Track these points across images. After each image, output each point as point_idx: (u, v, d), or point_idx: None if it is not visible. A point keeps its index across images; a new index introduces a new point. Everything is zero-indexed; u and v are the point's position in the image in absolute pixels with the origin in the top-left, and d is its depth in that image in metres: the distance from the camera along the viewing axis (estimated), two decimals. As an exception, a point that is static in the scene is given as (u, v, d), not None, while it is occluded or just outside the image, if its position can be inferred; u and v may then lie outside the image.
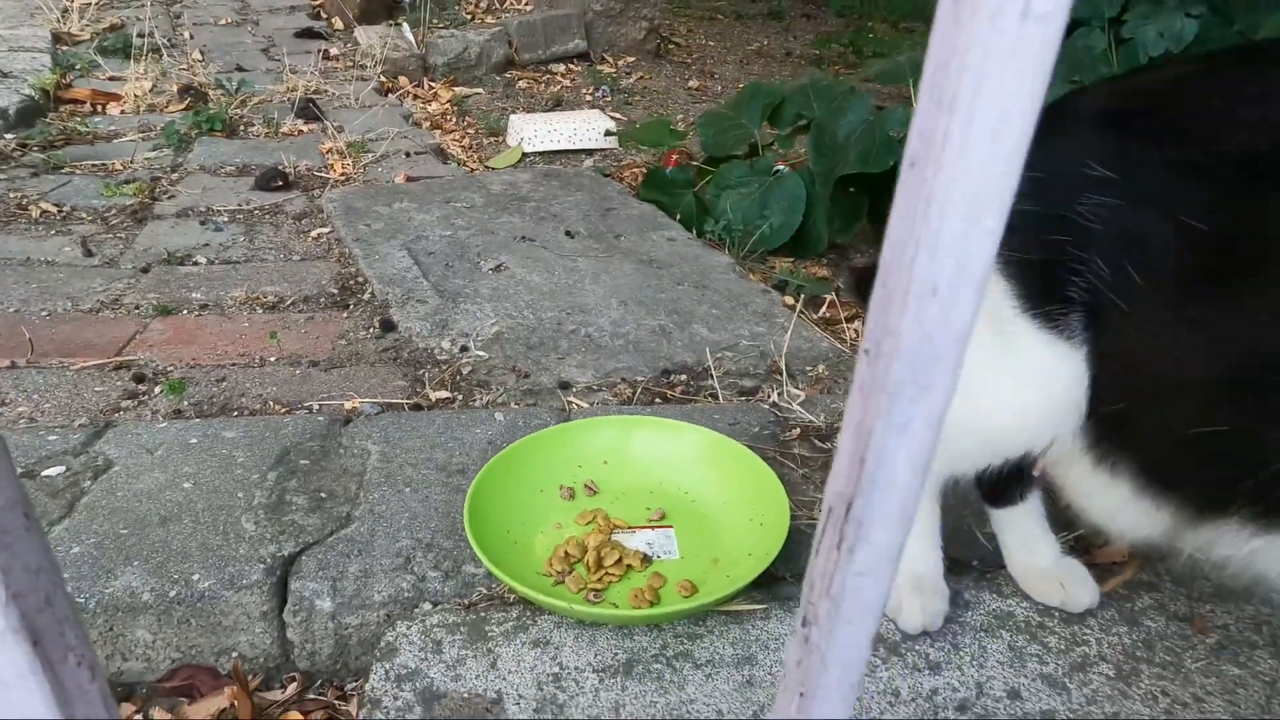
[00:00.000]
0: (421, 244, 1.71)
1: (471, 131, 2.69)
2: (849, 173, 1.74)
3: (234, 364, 1.28)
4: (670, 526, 0.90)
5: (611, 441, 0.98)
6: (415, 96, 2.91)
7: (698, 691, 0.72)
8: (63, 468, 0.96)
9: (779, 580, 0.84)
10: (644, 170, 2.25)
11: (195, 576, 0.82)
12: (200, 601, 0.80)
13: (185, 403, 1.17)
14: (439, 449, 1.02)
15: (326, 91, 2.68)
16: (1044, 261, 0.61)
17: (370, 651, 0.79)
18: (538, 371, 1.30)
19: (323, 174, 2.09)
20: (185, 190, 1.94)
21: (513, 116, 2.61)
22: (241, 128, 2.36)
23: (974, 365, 0.34)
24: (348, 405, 1.17)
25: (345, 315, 1.45)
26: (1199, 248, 0.54)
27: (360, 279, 1.58)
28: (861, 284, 0.95)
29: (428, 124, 2.64)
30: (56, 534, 0.85)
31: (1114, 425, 0.62)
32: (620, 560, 0.83)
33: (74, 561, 0.82)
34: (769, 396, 1.21)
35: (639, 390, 1.26)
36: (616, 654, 0.75)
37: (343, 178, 2.07)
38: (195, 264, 1.61)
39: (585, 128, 2.60)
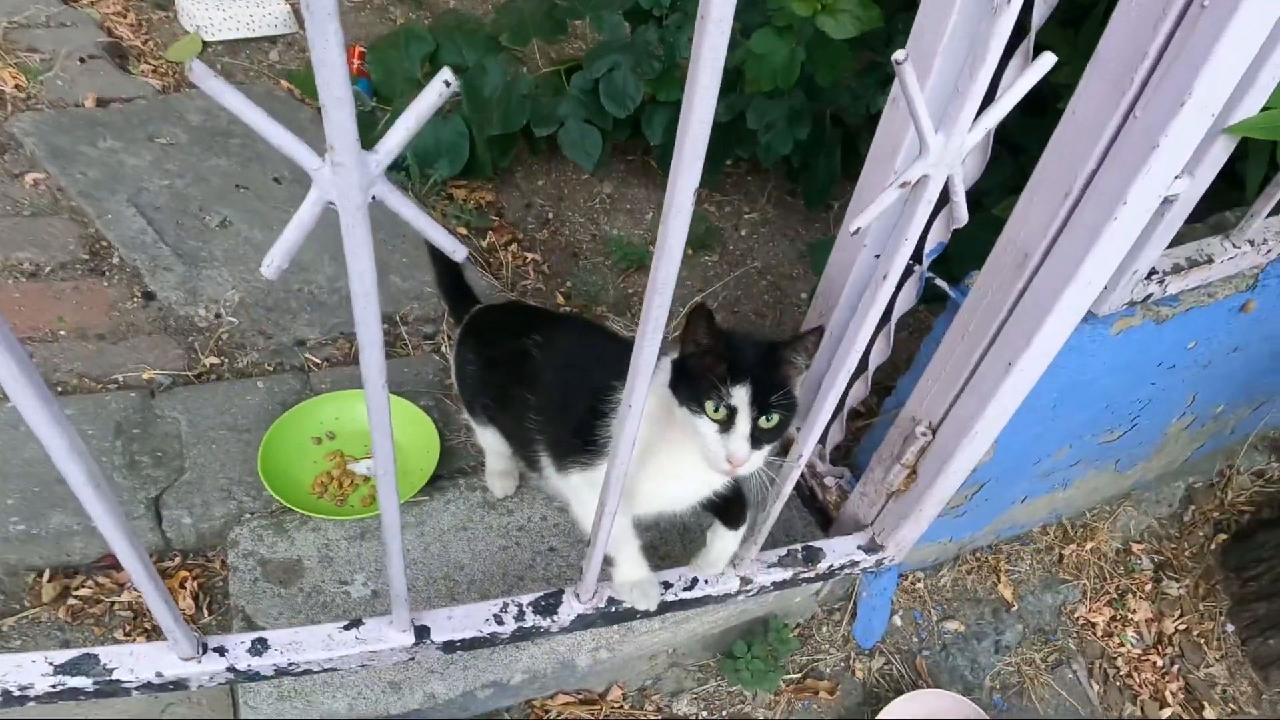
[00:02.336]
0: (145, 197, 1.98)
1: (134, 2, 2.59)
2: (493, 133, 2.27)
3: (31, 339, 1.63)
4: (377, 454, 1.62)
5: (338, 408, 1.64)
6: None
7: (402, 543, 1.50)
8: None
9: (439, 478, 1.61)
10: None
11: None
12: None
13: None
14: (227, 414, 1.62)
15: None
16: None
17: (220, 541, 1.46)
18: (279, 332, 1.84)
19: (-7, 83, 2.07)
20: None
21: (178, -11, 2.52)
22: None
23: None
24: (144, 377, 1.65)
25: (106, 284, 1.79)
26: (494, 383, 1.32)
27: (103, 241, 1.85)
28: (473, 325, 1.46)
29: (80, -8, 2.49)
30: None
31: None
32: (351, 480, 1.56)
33: (15, 509, 1.36)
34: (439, 346, 1.89)
35: (352, 342, 1.87)
36: (354, 530, 1.49)
37: (21, 94, 2.11)
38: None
39: (260, 13, 2.59)
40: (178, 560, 1.47)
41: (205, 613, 1.43)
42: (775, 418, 0.95)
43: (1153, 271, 1.23)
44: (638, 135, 2.34)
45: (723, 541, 1.26)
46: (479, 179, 2.45)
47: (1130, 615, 1.88)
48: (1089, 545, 1.97)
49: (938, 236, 1.22)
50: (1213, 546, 2.03)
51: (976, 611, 1.82)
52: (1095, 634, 1.84)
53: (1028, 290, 1.07)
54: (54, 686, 1.07)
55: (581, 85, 2.25)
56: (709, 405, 0.95)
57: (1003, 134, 0.94)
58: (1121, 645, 1.83)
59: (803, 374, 1.00)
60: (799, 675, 1.63)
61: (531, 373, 1.23)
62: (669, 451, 1.06)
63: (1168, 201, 1.07)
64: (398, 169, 2.32)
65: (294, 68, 2.60)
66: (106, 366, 1.66)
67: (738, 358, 0.95)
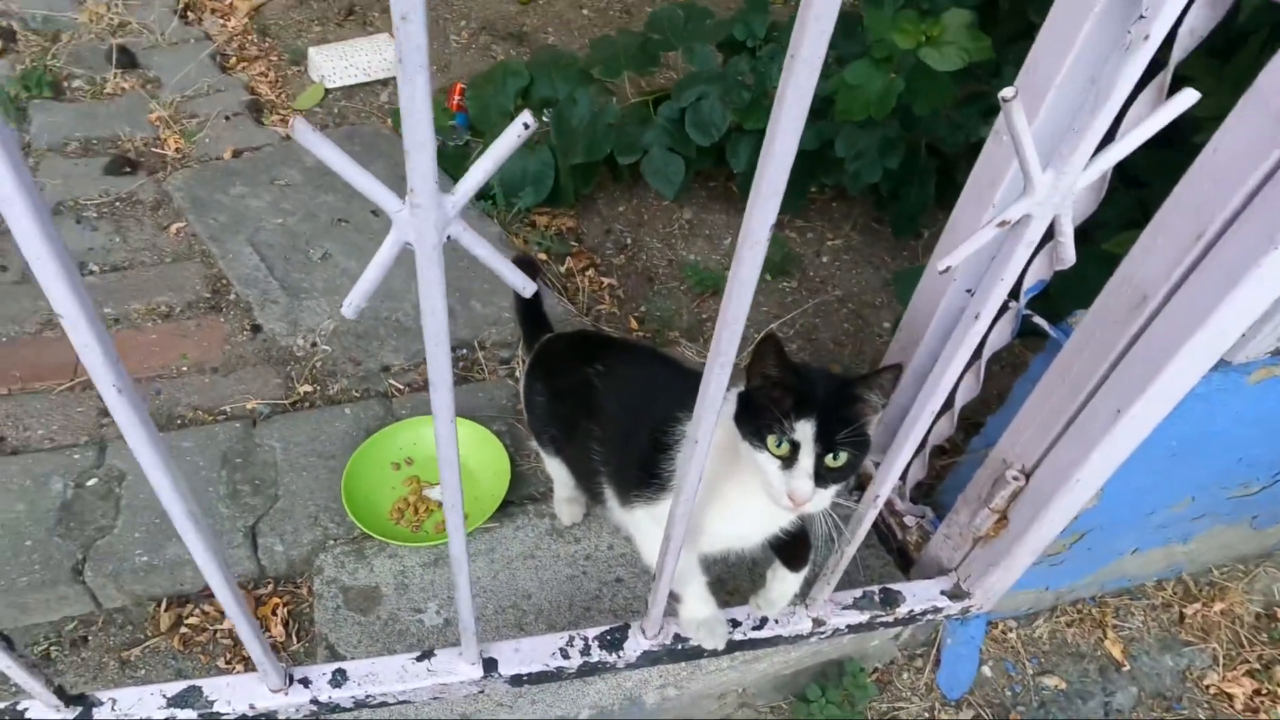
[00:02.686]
0: (262, 235, 2.15)
1: (274, 60, 2.87)
2: (577, 161, 2.29)
3: (160, 376, 1.80)
4: (454, 480, 1.63)
5: (416, 434, 1.66)
6: (213, 10, 2.98)
7: (471, 570, 1.51)
8: (96, 479, 1.54)
9: (509, 504, 1.61)
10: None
11: (202, 547, 1.48)
12: (209, 558, 1.48)
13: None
14: (317, 441, 1.67)
15: (130, 24, 2.74)
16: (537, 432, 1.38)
17: (307, 568, 1.50)
18: (366, 359, 1.91)
19: (159, 150, 2.36)
20: (47, 179, 2.19)
21: (311, 51, 2.81)
22: (65, 84, 2.49)
23: None
24: (248, 406, 1.75)
25: (222, 320, 1.94)
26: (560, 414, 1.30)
27: (224, 280, 2.04)
28: (542, 355, 1.46)
29: (234, 58, 2.80)
30: (120, 527, 1.47)
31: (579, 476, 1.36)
32: (427, 506, 1.57)
33: (140, 542, 1.45)
34: (514, 371, 1.91)
35: (436, 368, 1.91)
36: (429, 556, 1.51)
37: (178, 155, 2.36)
38: (90, 273, 1.99)
39: (377, 58, 2.85)
40: (270, 587, 1.52)
41: (294, 639, 1.47)
42: (843, 456, 0.89)
43: (1298, 316, 1.10)
44: (721, 163, 2.32)
45: (783, 584, 1.20)
46: (562, 206, 2.48)
47: None
48: (1218, 606, 1.77)
49: (1038, 274, 1.13)
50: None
51: (1079, 668, 1.67)
52: (1234, 707, 1.64)
53: (1143, 334, 0.97)
54: (166, 719, 1.11)
55: (668, 114, 2.25)
56: (771, 440, 0.90)
57: (1122, 166, 0.86)
58: None
59: (879, 412, 0.93)
60: (879, 726, 1.53)
61: (595, 403, 1.21)
62: (736, 487, 1.01)
63: None
64: (483, 198, 2.37)
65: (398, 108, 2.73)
66: (218, 398, 1.76)
67: (805, 391, 0.90)
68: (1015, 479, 1.18)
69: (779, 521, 1.08)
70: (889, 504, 1.57)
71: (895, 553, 1.55)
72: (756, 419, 0.91)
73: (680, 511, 0.93)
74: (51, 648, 1.43)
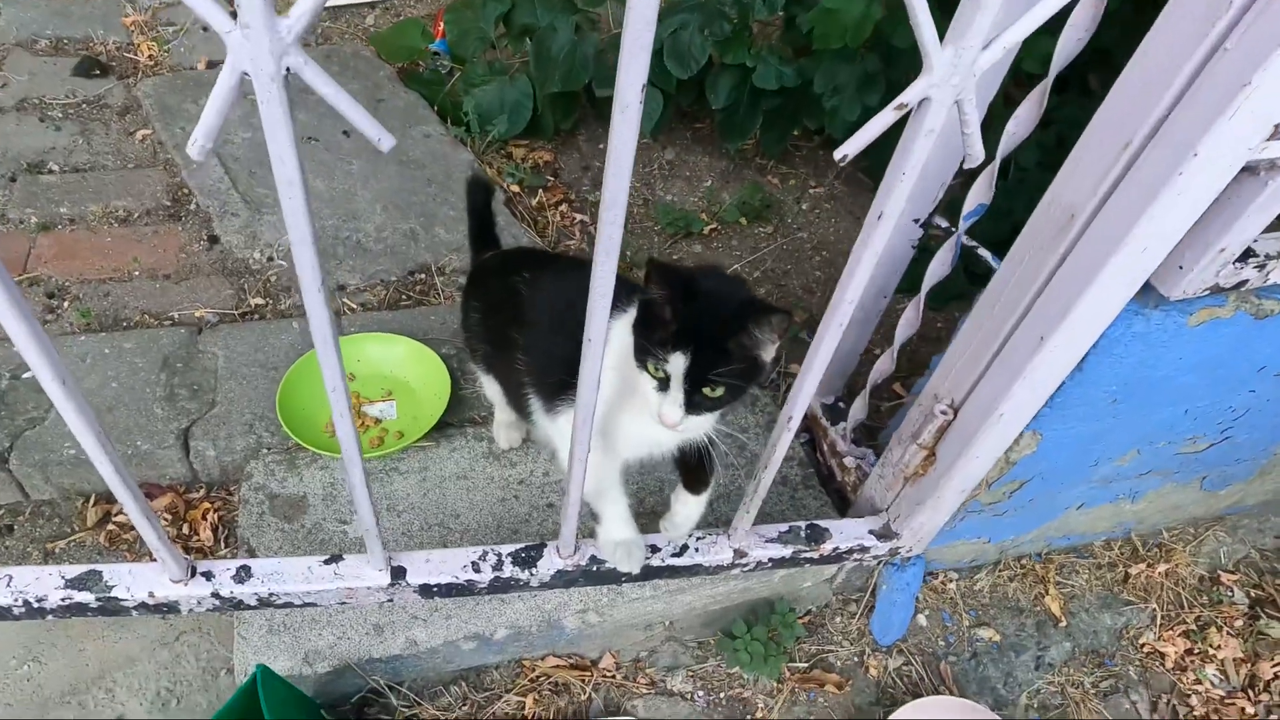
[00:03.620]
0: (228, 149, 2.11)
1: None
2: (554, 90, 2.23)
3: (111, 279, 1.77)
4: (394, 400, 1.61)
5: (359, 350, 1.64)
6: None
7: (399, 486, 1.49)
8: (30, 372, 1.52)
9: (449, 425, 1.59)
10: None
11: (139, 443, 1.47)
12: (145, 456, 1.46)
13: (91, 320, 1.69)
14: (260, 351, 1.65)
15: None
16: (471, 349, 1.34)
17: (239, 473, 1.49)
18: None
19: (132, 55, 2.31)
20: (13, 75, 2.15)
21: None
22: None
23: None
24: (196, 314, 1.73)
25: (180, 228, 1.91)
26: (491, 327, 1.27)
27: (186, 189, 2.00)
28: (478, 271, 1.46)
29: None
30: (52, 419, 1.46)
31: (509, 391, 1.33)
32: (364, 422, 1.55)
33: (69, 435, 1.44)
34: (470, 296, 1.87)
35: (390, 290, 1.88)
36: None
37: (151, 62, 2.30)
38: (50, 172, 1.96)
39: None
40: (202, 492, 1.51)
41: (222, 545, 1.46)
42: (719, 390, 0.89)
43: (1249, 253, 1.04)
44: (702, 100, 2.25)
45: (685, 506, 1.18)
46: (540, 139, 2.42)
47: (1213, 651, 1.65)
48: (1162, 567, 1.74)
49: (978, 197, 1.08)
50: (1331, 591, 1.76)
51: (1016, 622, 1.65)
52: (1164, 665, 1.62)
53: (1069, 256, 0.92)
54: (63, 600, 1.10)
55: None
56: (650, 364, 0.90)
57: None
58: (1199, 682, 1.61)
59: (774, 344, 0.90)
60: (806, 665, 1.52)
61: (522, 312, 1.19)
62: (633, 396, 0.98)
63: (1274, 169, 0.90)
64: (457, 124, 2.32)
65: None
66: (167, 304, 1.74)
67: (687, 319, 0.87)
68: (943, 413, 1.14)
69: (664, 438, 1.06)
70: (831, 445, 1.54)
71: (834, 494, 1.52)
72: (644, 338, 0.90)
73: (583, 415, 0.90)
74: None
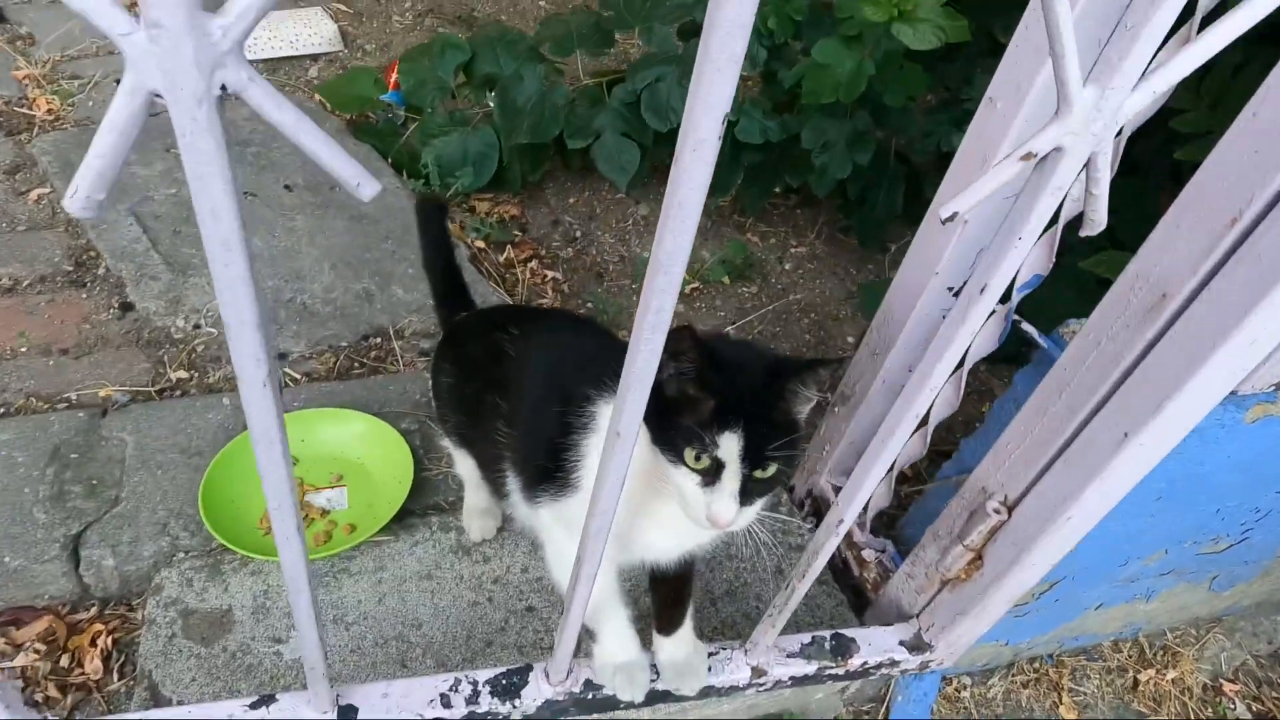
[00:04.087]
0: (148, 206, 1.87)
1: None
2: (521, 141, 2.09)
3: None
4: (344, 486, 1.39)
5: (303, 430, 1.41)
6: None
7: (349, 590, 1.26)
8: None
9: (410, 513, 1.37)
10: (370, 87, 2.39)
11: (6, 558, 1.20)
12: (16, 574, 1.20)
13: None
14: (180, 434, 1.41)
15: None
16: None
17: (146, 584, 1.24)
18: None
19: (25, 109, 2.08)
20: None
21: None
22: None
23: None
24: (101, 394, 1.47)
25: (84, 295, 1.66)
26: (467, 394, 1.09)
27: (93, 252, 1.76)
28: (453, 332, 1.27)
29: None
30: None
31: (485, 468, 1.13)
32: (308, 515, 1.32)
33: None
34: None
35: (341, 357, 1.67)
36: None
37: (50, 117, 2.07)
38: (-77, 233, 1.70)
39: (307, 32, 2.62)
40: (94, 610, 1.24)
41: (114, 677, 1.19)
42: (772, 468, 0.75)
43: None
44: (677, 155, 2.13)
45: (666, 652, 1.03)
46: (506, 192, 2.27)
47: None
48: (1170, 674, 1.62)
49: (1034, 267, 0.96)
50: (1325, 704, 1.66)
51: (1036, 733, 1.49)
52: (1178, 785, 1.49)
53: (1159, 341, 0.79)
54: None
55: (623, 98, 2.06)
56: (689, 454, 0.74)
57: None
58: None
59: (812, 403, 0.78)
60: (820, 792, 1.32)
61: (505, 375, 1.01)
62: (655, 491, 0.81)
63: None
64: (415, 177, 2.15)
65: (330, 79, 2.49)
66: (62, 384, 1.49)
67: (730, 392, 0.73)
68: (996, 512, 0.99)
69: (700, 537, 0.90)
70: (847, 536, 1.37)
71: (850, 591, 1.35)
72: (670, 425, 0.75)
73: (596, 526, 0.72)
74: None
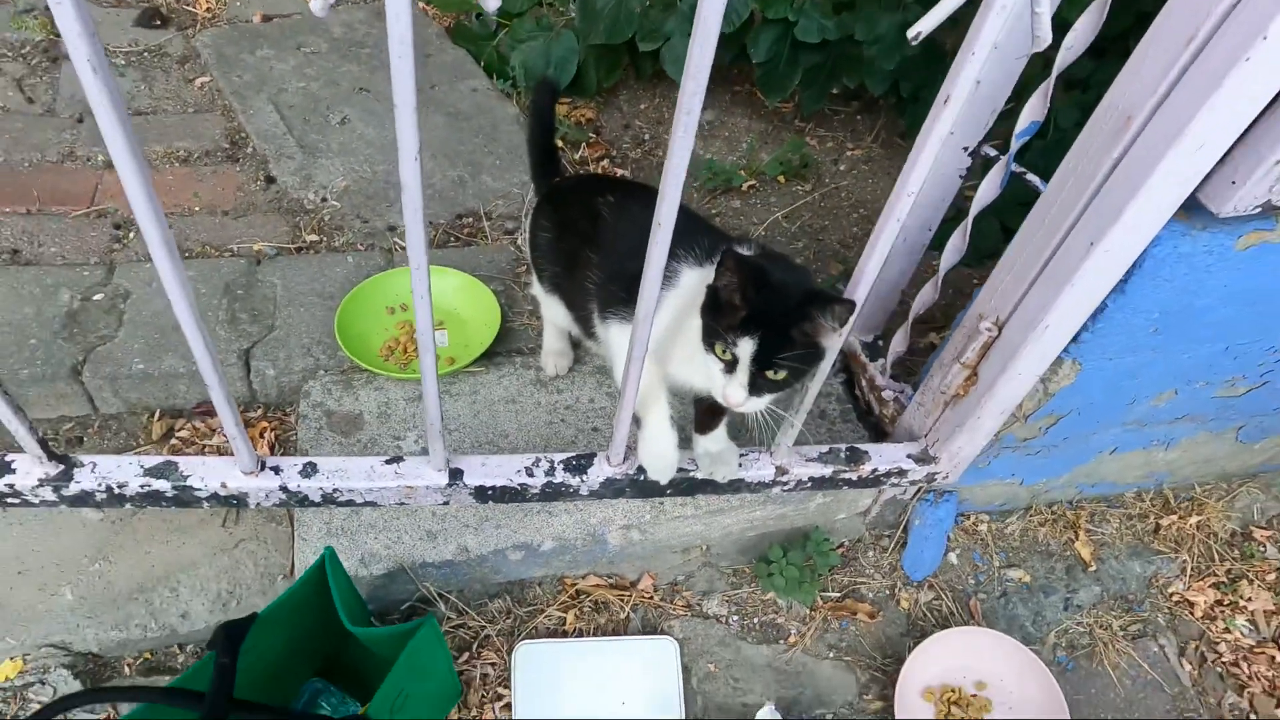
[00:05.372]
0: (283, 97, 2.17)
1: None
2: (598, 42, 2.26)
3: (173, 213, 1.84)
4: (445, 329, 1.66)
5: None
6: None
7: (450, 407, 1.53)
8: (102, 295, 1.59)
9: (497, 354, 1.63)
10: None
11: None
12: (204, 374, 1.52)
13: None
14: (317, 282, 1.70)
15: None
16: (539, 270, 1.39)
17: (296, 397, 1.55)
18: (374, 218, 1.93)
19: (190, 8, 2.38)
20: (74, 29, 2.22)
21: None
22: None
23: None
24: (255, 248, 1.79)
25: (238, 169, 1.97)
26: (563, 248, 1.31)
27: (243, 133, 2.06)
28: (551, 195, 1.48)
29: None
30: (121, 337, 1.52)
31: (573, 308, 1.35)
32: (416, 348, 1.60)
33: (138, 351, 1.51)
34: (516, 239, 1.92)
35: (439, 231, 1.93)
36: (414, 391, 1.54)
37: (209, 15, 2.37)
38: (111, 117, 2.03)
39: None
40: (260, 412, 1.57)
41: (279, 457, 1.51)
42: (782, 373, 0.95)
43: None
44: (742, 57, 2.27)
45: (703, 445, 1.25)
46: (583, 97, 2.45)
47: (1243, 603, 1.65)
48: (1194, 519, 1.74)
49: (1032, 114, 1.09)
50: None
51: (1046, 565, 1.66)
52: (1193, 614, 1.63)
53: (1124, 159, 0.93)
54: (142, 488, 1.16)
55: (691, 2, 2.20)
56: (717, 347, 0.96)
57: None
58: (1228, 631, 1.61)
59: (835, 332, 0.96)
60: (839, 594, 1.55)
61: (599, 233, 1.23)
62: (695, 340, 1.04)
63: None
64: (503, 78, 2.36)
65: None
66: (226, 238, 1.80)
67: (759, 306, 0.92)
68: (988, 330, 1.16)
69: None
70: (870, 380, 1.56)
71: (872, 428, 1.55)
72: (712, 321, 0.96)
73: (643, 314, 0.94)
74: (49, 443, 1.49)
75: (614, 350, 1.17)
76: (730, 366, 0.96)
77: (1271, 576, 1.70)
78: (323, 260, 1.75)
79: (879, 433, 1.53)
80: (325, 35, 2.38)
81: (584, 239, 1.25)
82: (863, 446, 1.34)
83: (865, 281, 0.98)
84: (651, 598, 1.51)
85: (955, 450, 1.30)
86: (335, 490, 1.20)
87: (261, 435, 1.52)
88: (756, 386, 0.96)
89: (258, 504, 1.20)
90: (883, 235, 0.90)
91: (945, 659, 1.44)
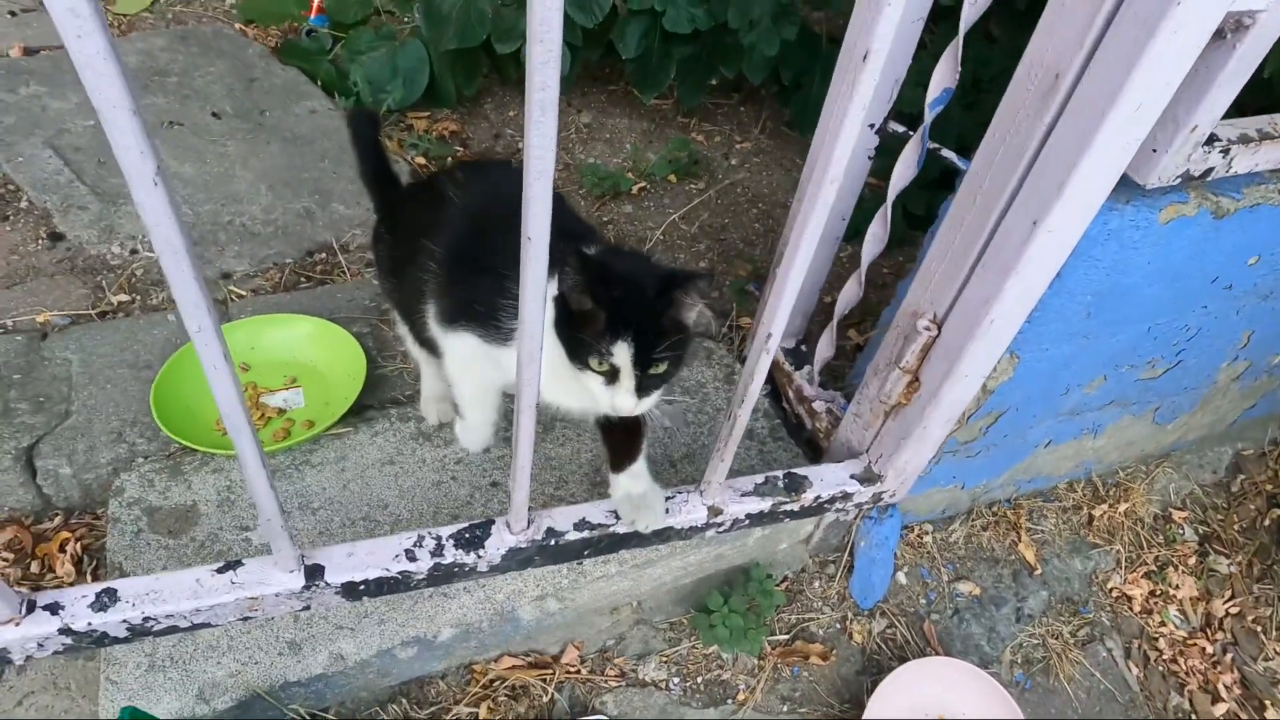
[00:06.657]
0: (66, 139, 1.83)
1: None
2: (450, 49, 2.06)
3: None
4: (299, 387, 1.41)
5: (254, 336, 1.43)
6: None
7: (313, 479, 1.29)
8: None
9: (368, 408, 1.40)
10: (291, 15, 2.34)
11: (-35, 469, 1.21)
12: (-23, 482, 1.21)
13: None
14: (128, 350, 1.41)
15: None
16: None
17: (109, 492, 1.26)
18: (203, 265, 1.65)
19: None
20: None
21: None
22: None
23: None
24: (38, 319, 1.47)
25: (8, 228, 1.64)
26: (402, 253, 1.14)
27: (11, 186, 1.72)
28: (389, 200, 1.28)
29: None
30: None
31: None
32: (264, 414, 1.34)
33: None
34: (377, 273, 1.69)
35: (287, 272, 1.67)
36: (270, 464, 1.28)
37: None
38: None
39: None
40: (58, 520, 1.26)
41: (88, 579, 1.22)
42: (663, 365, 0.89)
43: (1213, 138, 0.99)
44: (610, 54, 2.12)
45: (622, 487, 1.10)
46: (442, 108, 2.24)
47: (1172, 591, 1.63)
48: (1122, 507, 1.72)
49: (943, 81, 0.99)
50: (1267, 523, 1.78)
51: (994, 573, 1.58)
52: (1132, 609, 1.59)
53: (1059, 120, 0.83)
54: None
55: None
56: (592, 362, 0.89)
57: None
58: (1164, 624, 1.59)
59: (697, 306, 0.91)
60: (787, 636, 1.40)
61: (442, 219, 1.07)
62: (564, 366, 0.93)
63: (1240, 30, 0.83)
64: (346, 95, 2.12)
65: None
66: None
67: (618, 306, 0.86)
68: (926, 329, 1.04)
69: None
70: (797, 391, 1.43)
71: (805, 445, 1.41)
72: (576, 339, 0.89)
73: (527, 375, 0.77)
74: None
75: (454, 366, 1.07)
76: (610, 377, 0.89)
77: (1192, 560, 1.70)
78: (134, 324, 1.47)
79: (814, 448, 1.40)
80: (123, 59, 2.06)
81: (423, 229, 1.09)
82: (801, 471, 1.20)
83: (789, 290, 0.83)
84: (579, 671, 1.31)
85: (902, 465, 1.18)
86: (148, 619, 0.94)
87: (62, 549, 1.23)
88: (643, 388, 0.90)
89: (26, 656, 0.93)
90: (806, 233, 0.76)
91: (907, 697, 1.31)
